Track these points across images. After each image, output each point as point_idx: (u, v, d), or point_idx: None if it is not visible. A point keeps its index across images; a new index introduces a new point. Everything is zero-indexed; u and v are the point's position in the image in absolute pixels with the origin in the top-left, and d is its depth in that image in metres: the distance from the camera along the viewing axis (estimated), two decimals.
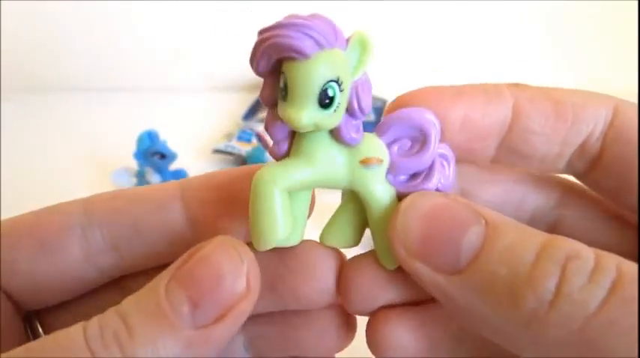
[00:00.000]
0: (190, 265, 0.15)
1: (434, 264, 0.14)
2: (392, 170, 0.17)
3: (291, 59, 0.14)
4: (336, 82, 0.14)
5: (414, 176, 0.17)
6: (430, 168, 0.17)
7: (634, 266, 0.13)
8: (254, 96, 0.69)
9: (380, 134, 0.17)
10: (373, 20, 0.66)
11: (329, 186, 0.17)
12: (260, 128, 0.62)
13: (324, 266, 0.18)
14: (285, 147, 0.16)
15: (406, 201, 0.16)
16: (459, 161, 0.17)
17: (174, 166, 0.52)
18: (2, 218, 0.18)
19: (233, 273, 0.15)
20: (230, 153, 0.58)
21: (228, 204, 0.18)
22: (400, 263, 0.16)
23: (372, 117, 0.63)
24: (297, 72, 0.14)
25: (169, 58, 0.73)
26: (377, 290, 0.18)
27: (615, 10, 0.69)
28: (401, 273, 0.16)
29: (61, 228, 0.18)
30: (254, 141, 0.60)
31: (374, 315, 0.18)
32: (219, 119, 0.67)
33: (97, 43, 0.71)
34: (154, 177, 0.51)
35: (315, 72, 0.14)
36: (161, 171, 0.51)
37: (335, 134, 0.16)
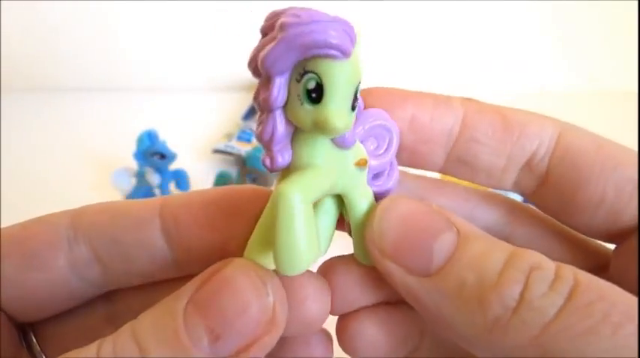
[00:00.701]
0: (210, 288, 0.14)
1: (406, 266, 0.15)
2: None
3: (331, 57, 0.13)
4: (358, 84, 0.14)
5: (376, 176, 0.17)
6: (391, 168, 0.17)
7: (589, 275, 0.14)
8: None
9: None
10: (372, 20, 0.66)
11: (330, 192, 0.16)
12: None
13: (320, 299, 0.17)
14: (289, 155, 0.15)
15: (383, 203, 0.16)
16: (409, 166, 0.18)
17: (174, 166, 0.52)
18: (2, 218, 0.18)
19: (258, 304, 0.14)
20: (230, 153, 0.58)
21: (207, 226, 0.18)
22: (374, 263, 0.16)
23: None
24: (339, 72, 0.13)
25: (169, 58, 0.73)
26: (355, 293, 0.18)
27: (615, 10, 0.69)
28: (377, 276, 0.17)
29: (48, 241, 0.17)
30: (254, 141, 0.60)
31: (343, 314, 0.18)
32: (219, 119, 0.67)
33: (97, 43, 0.71)
34: (153, 177, 0.51)
35: (357, 72, 0.14)
36: (161, 171, 0.51)
37: (340, 137, 0.15)
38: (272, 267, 0.15)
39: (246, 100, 0.70)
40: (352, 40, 0.13)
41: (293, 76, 0.14)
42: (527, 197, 0.19)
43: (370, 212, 0.16)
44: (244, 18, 0.69)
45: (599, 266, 0.19)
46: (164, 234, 0.18)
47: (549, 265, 0.14)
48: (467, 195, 0.20)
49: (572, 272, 0.14)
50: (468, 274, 0.14)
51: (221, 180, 0.50)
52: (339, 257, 0.18)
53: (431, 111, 0.17)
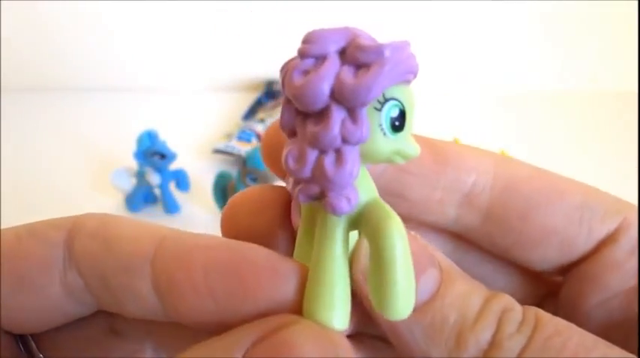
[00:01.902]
0: (270, 350, 0.12)
1: None
2: None
3: (408, 82, 0.13)
4: None
5: None
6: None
7: (549, 315, 0.14)
8: (254, 96, 0.69)
9: None
10: (375, 19, 0.66)
11: None
12: (260, 128, 0.62)
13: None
14: (356, 193, 0.13)
15: None
16: None
17: (174, 166, 0.52)
18: (2, 218, 0.17)
19: None
20: (230, 153, 0.58)
21: (208, 296, 0.15)
22: (358, 290, 0.15)
23: None
24: (413, 95, 0.13)
25: (169, 58, 0.73)
26: None
27: (615, 10, 0.69)
28: (355, 305, 0.15)
29: (42, 263, 0.16)
30: (254, 141, 0.60)
31: None
32: (219, 119, 0.67)
33: (98, 43, 0.71)
34: (153, 177, 0.51)
35: (413, 97, 0.13)
36: (161, 171, 0.51)
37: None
38: (335, 325, 0.14)
39: (246, 100, 0.70)
40: None
41: (371, 106, 0.13)
42: (470, 236, 0.18)
43: (358, 239, 0.15)
44: (244, 18, 0.69)
45: (546, 293, 0.19)
46: (155, 289, 0.15)
47: (518, 308, 0.15)
48: (414, 226, 0.19)
49: (534, 313, 0.14)
50: (451, 313, 0.14)
51: (221, 180, 0.50)
52: None
53: None
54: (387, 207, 0.14)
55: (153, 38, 0.71)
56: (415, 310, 0.14)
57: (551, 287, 0.19)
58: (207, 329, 0.14)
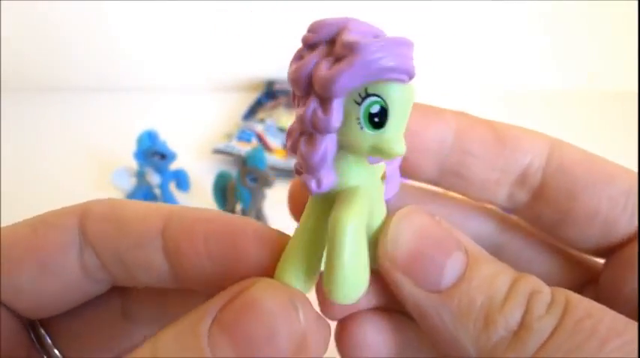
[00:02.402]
0: (236, 309, 0.13)
1: (416, 279, 0.15)
2: None
3: (399, 81, 0.13)
4: None
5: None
6: (391, 176, 0.17)
7: (579, 296, 0.14)
8: (254, 96, 0.70)
9: None
10: (375, 19, 0.66)
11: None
12: (260, 128, 0.62)
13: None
14: (334, 177, 0.14)
15: (399, 214, 0.16)
16: (402, 176, 0.18)
17: (174, 166, 0.52)
18: (2, 217, 0.18)
19: (288, 329, 0.13)
20: (230, 153, 0.58)
21: (209, 260, 0.17)
22: (382, 270, 0.16)
23: None
24: (406, 95, 0.13)
25: (169, 58, 0.73)
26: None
27: (615, 10, 0.69)
28: (377, 280, 0.16)
29: (61, 248, 0.18)
30: (254, 141, 0.60)
31: (346, 318, 0.18)
32: (219, 119, 0.67)
33: (97, 43, 0.71)
34: (153, 177, 0.51)
35: (412, 96, 0.13)
36: (161, 171, 0.51)
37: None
38: (305, 290, 0.15)
39: (246, 100, 0.70)
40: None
41: (350, 98, 0.13)
42: (519, 213, 0.19)
43: (384, 221, 0.16)
44: (244, 18, 0.69)
45: (587, 279, 0.19)
46: (166, 255, 0.17)
47: (547, 289, 0.15)
48: (460, 206, 0.20)
49: (564, 295, 0.14)
50: (478, 295, 0.14)
51: (221, 180, 0.50)
52: None
53: (421, 121, 0.17)
54: (360, 198, 0.14)
55: (153, 38, 0.71)
56: (442, 293, 0.15)
57: (591, 274, 0.19)
58: (208, 292, 0.15)
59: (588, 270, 0.20)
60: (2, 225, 0.18)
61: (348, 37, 0.13)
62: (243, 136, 0.61)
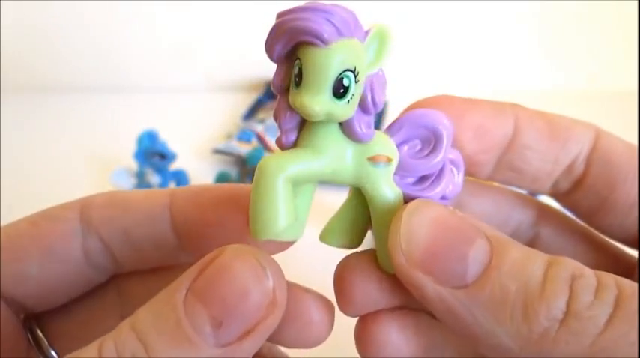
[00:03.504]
0: (209, 276, 0.14)
1: (437, 276, 0.14)
2: (400, 171, 0.16)
3: (310, 44, 0.14)
4: (353, 72, 0.14)
5: (421, 179, 0.16)
6: (440, 173, 0.16)
7: (630, 282, 0.13)
8: (254, 96, 0.69)
9: (391, 133, 0.16)
10: (375, 19, 0.66)
11: (334, 180, 0.16)
12: (260, 128, 0.62)
13: (320, 319, 0.17)
14: (293, 136, 0.16)
15: (410, 207, 0.15)
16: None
17: (174, 166, 0.52)
18: (2, 217, 0.18)
19: (258, 288, 0.14)
20: (230, 153, 0.58)
21: (217, 225, 0.18)
22: (398, 272, 0.15)
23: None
24: (314, 58, 0.14)
25: (169, 58, 0.73)
26: (374, 295, 0.17)
27: (615, 10, 0.69)
28: (399, 279, 0.16)
29: (64, 236, 0.18)
30: (254, 141, 0.60)
31: (364, 315, 0.18)
32: (219, 119, 0.67)
33: (97, 43, 0.71)
34: (153, 178, 0.51)
35: (333, 59, 0.14)
36: (161, 171, 0.51)
37: (346, 128, 0.15)
38: (284, 237, 0.16)
39: (246, 100, 0.70)
40: (338, 28, 0.14)
41: (292, 62, 0.14)
42: (559, 199, 0.19)
43: (394, 215, 0.15)
44: (244, 18, 0.69)
45: (622, 272, 0.19)
46: (174, 228, 0.18)
47: (589, 272, 0.13)
48: (503, 197, 0.20)
49: (613, 280, 0.13)
50: (510, 283, 0.13)
51: (221, 180, 0.50)
52: (359, 253, 0.18)
53: (493, 119, 0.17)
54: (297, 153, 0.15)
55: (153, 38, 0.71)
56: (470, 287, 0.13)
57: (628, 268, 0.19)
58: None
59: (624, 264, 0.19)
60: (2, 225, 0.18)
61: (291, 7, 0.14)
62: (243, 136, 0.61)
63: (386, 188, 0.16)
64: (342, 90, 0.14)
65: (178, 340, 0.13)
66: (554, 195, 0.19)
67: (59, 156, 0.61)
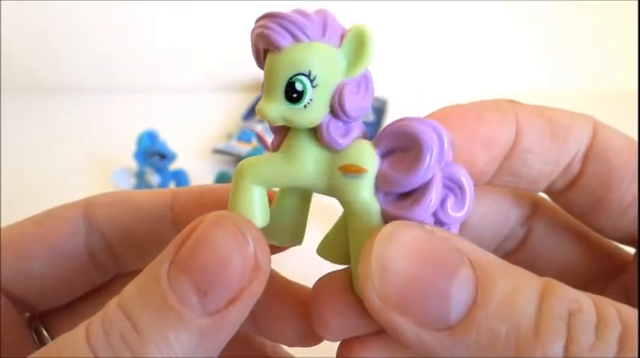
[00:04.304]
0: (190, 247, 0.14)
1: (416, 318, 0.12)
2: (382, 185, 0.14)
3: (270, 51, 0.14)
4: (307, 75, 0.14)
5: (404, 196, 0.14)
6: (425, 189, 0.14)
7: (633, 312, 0.12)
8: (254, 96, 0.69)
9: (376, 144, 0.14)
10: (374, 19, 0.66)
11: (307, 187, 0.15)
12: (260, 128, 0.62)
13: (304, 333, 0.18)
14: (277, 141, 0.16)
15: (382, 234, 0.13)
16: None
17: (174, 166, 0.52)
18: (2, 217, 0.18)
19: (239, 254, 0.14)
20: (230, 154, 0.58)
21: None
22: (371, 312, 0.13)
23: (371, 118, 0.63)
24: (269, 64, 0.14)
25: (169, 58, 0.73)
26: (350, 320, 0.16)
27: (615, 10, 0.68)
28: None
29: (68, 235, 0.18)
30: (254, 141, 0.60)
31: (351, 341, 0.16)
32: (219, 119, 0.67)
33: (97, 43, 0.71)
34: (153, 178, 0.51)
35: (282, 64, 0.14)
36: (161, 171, 0.51)
37: (317, 134, 0.14)
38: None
39: (246, 100, 0.70)
40: (292, 33, 0.14)
41: None
42: (553, 196, 0.18)
43: (366, 241, 0.14)
44: (244, 18, 0.69)
45: (615, 267, 0.19)
46: (175, 228, 0.18)
47: (589, 304, 0.12)
48: (502, 196, 0.19)
49: (615, 312, 0.12)
50: (499, 325, 0.11)
51: (221, 180, 0.50)
52: (336, 273, 0.17)
53: (499, 129, 0.16)
54: (264, 158, 0.15)
55: (153, 38, 0.71)
56: (453, 329, 0.12)
57: (621, 264, 0.19)
58: None
59: (618, 260, 0.19)
60: (2, 225, 0.18)
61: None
62: (243, 136, 0.61)
63: (359, 202, 0.14)
64: (294, 95, 0.14)
65: (165, 313, 0.13)
66: (549, 193, 0.18)
67: (59, 156, 0.61)
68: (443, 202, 0.14)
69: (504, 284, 0.12)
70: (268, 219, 0.16)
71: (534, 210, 0.19)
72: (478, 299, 0.12)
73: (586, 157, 0.17)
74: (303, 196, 0.17)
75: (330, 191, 0.15)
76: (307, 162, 0.15)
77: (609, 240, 0.19)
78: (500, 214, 0.19)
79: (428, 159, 0.14)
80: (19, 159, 0.60)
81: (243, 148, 0.58)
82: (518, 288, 0.12)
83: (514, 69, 0.74)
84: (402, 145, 0.14)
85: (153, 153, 0.50)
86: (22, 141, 0.63)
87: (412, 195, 0.14)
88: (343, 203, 0.15)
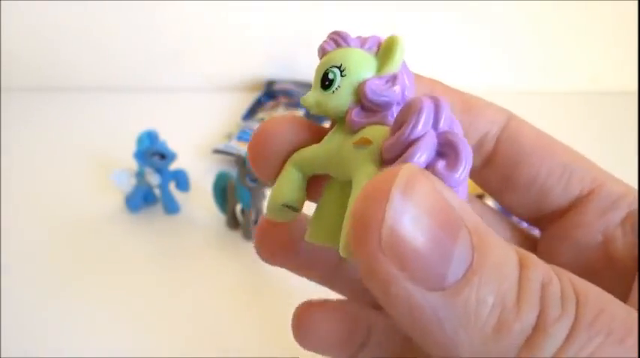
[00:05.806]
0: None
1: (414, 274, 0.11)
2: (385, 153, 0.14)
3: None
4: (338, 67, 0.16)
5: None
6: (412, 147, 0.13)
7: (582, 281, 0.12)
8: (254, 96, 0.69)
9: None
10: (374, 19, 0.66)
11: (337, 173, 0.16)
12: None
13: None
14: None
15: (401, 180, 0.12)
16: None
17: (174, 166, 0.52)
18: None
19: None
20: (230, 154, 0.58)
21: None
22: (359, 257, 0.12)
23: None
24: (317, 65, 0.17)
25: (169, 58, 0.73)
26: (333, 337, 0.20)
27: (615, 10, 0.69)
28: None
29: None
30: None
31: (299, 308, 0.20)
32: (219, 119, 0.67)
33: (97, 43, 0.71)
34: (153, 177, 0.51)
35: (323, 62, 0.17)
36: (161, 171, 0.51)
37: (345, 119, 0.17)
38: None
39: (246, 100, 0.70)
40: (336, 42, 0.17)
41: None
42: (473, 177, 0.20)
43: (374, 179, 0.12)
44: (244, 18, 0.69)
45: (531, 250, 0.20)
46: None
47: (553, 276, 0.12)
48: None
49: (569, 282, 0.12)
50: (489, 294, 0.11)
51: (221, 180, 0.50)
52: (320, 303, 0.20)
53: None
54: (307, 148, 0.17)
55: (153, 38, 0.71)
56: (446, 292, 0.11)
57: (530, 244, 0.20)
58: None
59: (533, 241, 0.20)
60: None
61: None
62: (243, 136, 0.61)
63: (363, 168, 0.15)
64: (326, 82, 0.16)
65: None
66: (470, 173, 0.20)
67: (59, 156, 0.61)
68: (437, 162, 0.13)
69: (496, 254, 0.12)
70: (300, 204, 0.17)
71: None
72: (474, 265, 0.11)
73: (499, 139, 0.19)
74: (342, 192, 0.17)
75: (343, 164, 0.16)
76: (332, 141, 0.17)
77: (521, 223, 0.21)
78: None
79: (414, 118, 0.13)
80: (19, 159, 0.60)
81: (243, 148, 0.58)
82: (505, 258, 0.12)
83: (514, 69, 0.74)
84: (404, 118, 0.14)
85: (153, 153, 0.50)
86: (22, 141, 0.63)
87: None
88: (349, 172, 0.16)
